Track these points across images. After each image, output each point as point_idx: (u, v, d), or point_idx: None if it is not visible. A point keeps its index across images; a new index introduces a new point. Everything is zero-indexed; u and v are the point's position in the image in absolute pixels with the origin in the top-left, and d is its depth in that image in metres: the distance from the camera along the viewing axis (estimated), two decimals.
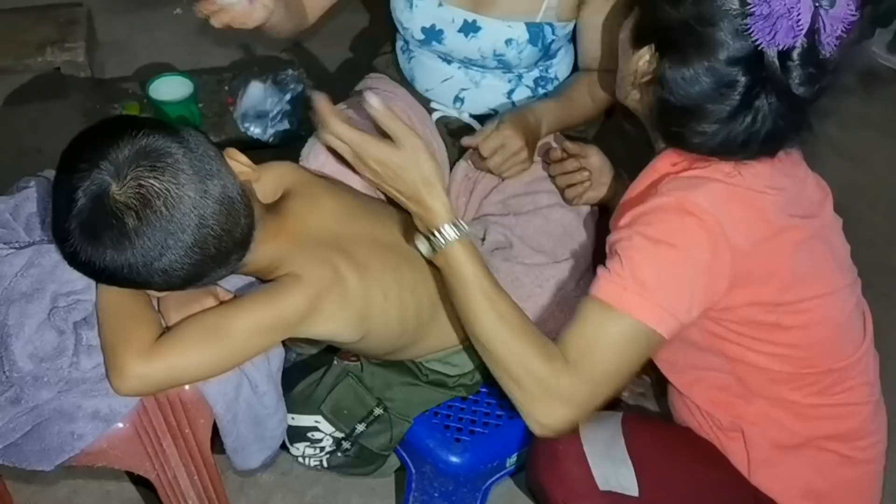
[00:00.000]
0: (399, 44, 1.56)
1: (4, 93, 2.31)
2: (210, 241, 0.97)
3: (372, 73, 1.61)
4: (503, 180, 1.42)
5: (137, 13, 2.62)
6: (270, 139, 1.95)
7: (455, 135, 1.54)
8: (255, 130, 1.94)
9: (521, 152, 1.34)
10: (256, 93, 1.95)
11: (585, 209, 1.41)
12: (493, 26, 1.38)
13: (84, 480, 1.55)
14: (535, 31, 1.39)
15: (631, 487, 1.10)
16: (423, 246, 1.11)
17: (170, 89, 1.91)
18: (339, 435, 1.35)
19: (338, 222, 1.15)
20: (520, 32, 1.39)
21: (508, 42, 1.39)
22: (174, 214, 0.93)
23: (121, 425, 1.02)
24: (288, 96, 1.95)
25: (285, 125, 1.95)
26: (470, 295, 1.08)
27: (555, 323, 1.32)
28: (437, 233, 1.08)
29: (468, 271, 1.08)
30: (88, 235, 0.92)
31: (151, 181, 0.92)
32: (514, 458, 1.38)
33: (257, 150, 1.94)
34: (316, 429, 1.35)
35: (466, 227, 1.09)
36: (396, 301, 1.17)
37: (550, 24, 1.40)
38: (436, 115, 1.54)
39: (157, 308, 1.06)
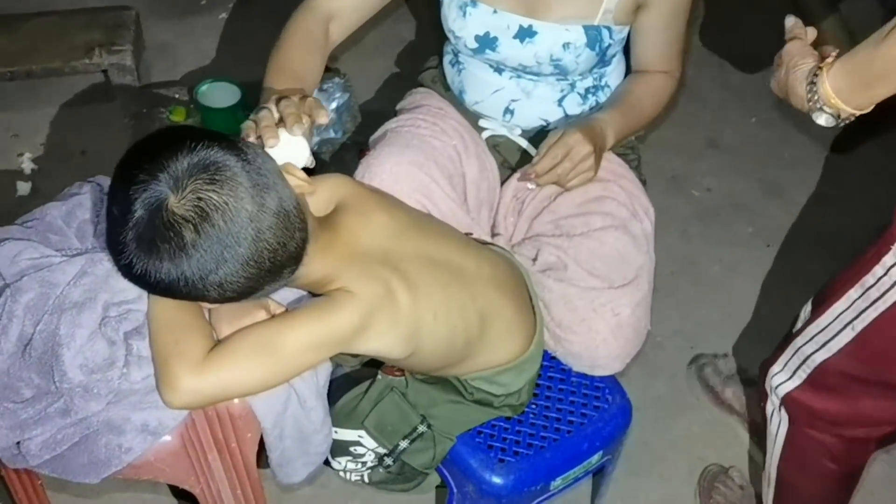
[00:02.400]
0: (447, 57, 1.55)
1: (51, 95, 2.33)
2: (266, 254, 0.95)
3: (419, 89, 1.60)
4: (564, 191, 1.39)
5: (184, 18, 2.63)
6: (315, 147, 1.94)
7: (503, 154, 1.51)
8: None
9: (588, 158, 1.32)
10: None
11: (639, 231, 1.38)
12: (549, 30, 1.37)
13: (120, 491, 1.54)
14: (594, 35, 1.37)
15: None
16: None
17: (218, 95, 1.91)
18: (382, 451, 1.33)
19: (390, 238, 1.14)
20: (577, 36, 1.37)
21: (566, 46, 1.37)
22: (231, 228, 0.92)
23: (168, 438, 1.01)
24: (333, 105, 1.94)
25: (330, 134, 1.94)
26: None
27: (607, 350, 1.30)
28: None
29: None
30: (145, 248, 0.91)
31: (210, 194, 0.91)
32: (558, 482, 1.35)
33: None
34: (359, 443, 1.33)
35: None
36: (445, 320, 1.15)
37: (608, 28, 1.38)
38: (485, 135, 1.52)
39: (208, 319, 1.05)
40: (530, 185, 1.42)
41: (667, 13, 1.40)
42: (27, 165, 2.15)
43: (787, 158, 2.40)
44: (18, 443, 0.96)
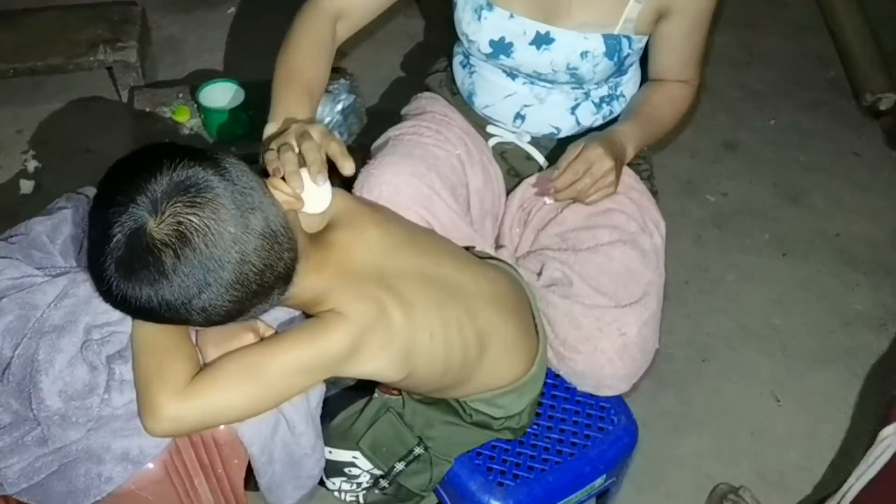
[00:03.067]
0: (458, 58, 1.50)
1: (55, 91, 2.30)
2: (251, 276, 0.91)
3: (425, 93, 1.55)
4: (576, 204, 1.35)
5: (192, 12, 2.60)
6: None
7: (510, 162, 1.47)
8: None
9: (609, 174, 1.27)
10: None
11: (649, 245, 1.33)
12: (567, 38, 1.31)
13: None
14: (613, 44, 1.32)
15: None
16: None
17: (221, 96, 1.87)
18: (378, 472, 1.29)
19: (384, 255, 1.09)
20: (596, 45, 1.31)
21: (584, 55, 1.32)
22: (214, 252, 0.88)
23: (151, 466, 0.98)
24: (339, 107, 1.89)
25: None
26: None
27: (613, 370, 1.25)
28: None
29: None
30: (124, 273, 0.87)
31: (190, 217, 0.87)
32: None
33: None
34: (353, 464, 1.29)
35: None
36: (442, 340, 1.11)
37: (628, 37, 1.33)
38: (492, 142, 1.47)
39: (194, 341, 1.02)
40: (548, 200, 1.37)
41: (689, 22, 1.34)
42: (30, 163, 2.12)
43: (806, 163, 2.33)
44: None
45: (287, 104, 1.19)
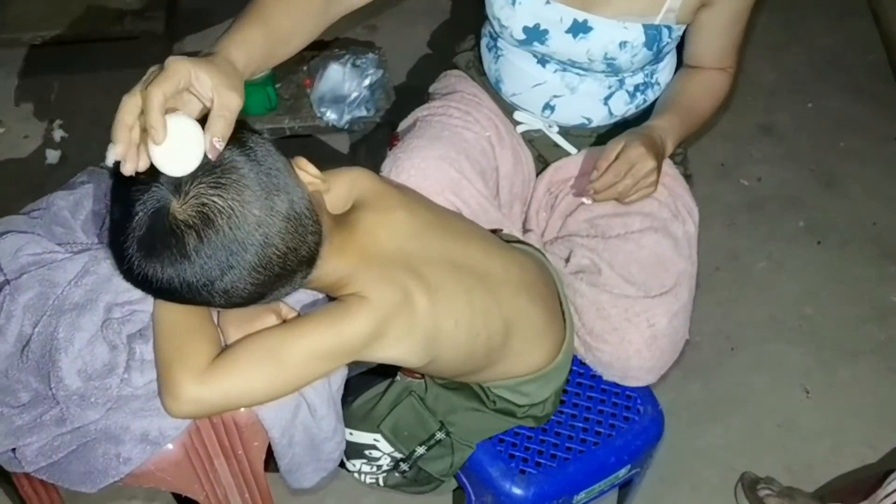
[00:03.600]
0: (484, 40, 1.44)
1: (82, 61, 2.29)
2: (274, 259, 0.89)
3: (454, 71, 1.50)
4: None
5: None
6: (346, 125, 1.87)
7: (538, 149, 1.43)
8: (330, 116, 1.86)
9: (651, 175, 1.22)
10: (335, 76, 1.87)
11: (681, 233, 1.29)
12: (606, 27, 1.26)
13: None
14: (653, 34, 1.27)
15: None
16: None
17: None
18: (398, 456, 1.28)
19: (411, 239, 1.07)
20: (636, 34, 1.26)
21: (623, 45, 1.26)
22: (237, 234, 0.86)
23: (170, 447, 0.97)
24: (367, 81, 1.86)
25: (362, 111, 1.87)
26: None
27: (640, 361, 1.22)
28: None
29: None
30: (146, 253, 0.86)
31: (214, 198, 0.85)
32: (581, 496, 1.29)
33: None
34: (374, 447, 1.28)
35: None
36: (467, 327, 1.08)
37: (668, 27, 1.28)
38: (520, 129, 1.42)
39: (216, 323, 1.00)
40: (586, 201, 1.31)
41: (732, 12, 1.29)
42: (57, 133, 2.12)
43: (844, 149, 2.26)
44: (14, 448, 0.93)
45: (231, 37, 0.95)
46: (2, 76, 2.25)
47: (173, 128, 0.83)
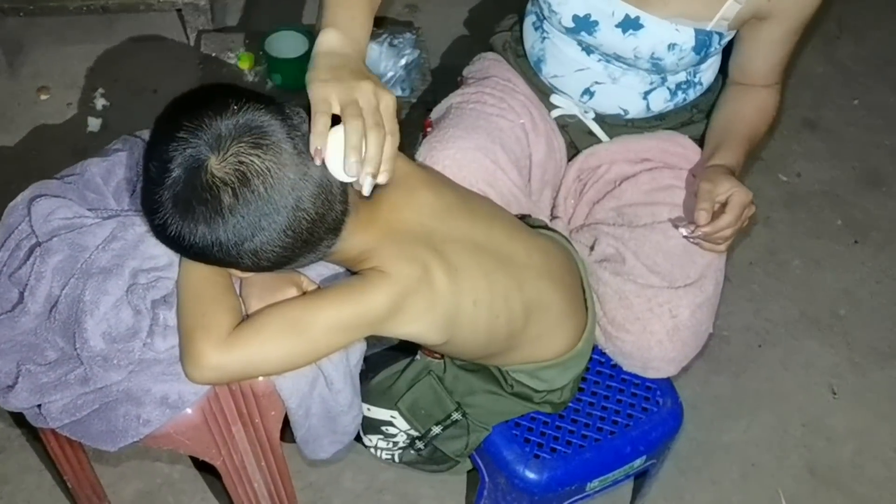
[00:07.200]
0: (530, 18, 1.41)
1: (125, 30, 2.32)
2: (304, 224, 0.91)
3: (488, 53, 1.49)
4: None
5: None
6: None
7: (571, 135, 1.41)
8: None
9: (751, 206, 1.19)
10: (371, 55, 1.87)
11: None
12: (658, 27, 1.23)
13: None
14: (703, 39, 1.24)
15: None
16: None
17: (287, 45, 1.85)
18: (414, 433, 1.29)
19: (434, 218, 1.07)
20: (687, 38, 1.23)
21: (671, 47, 1.24)
22: (272, 195, 0.88)
23: (189, 411, 0.99)
24: (403, 61, 1.86)
25: (398, 91, 1.87)
26: None
27: (662, 352, 1.21)
28: None
29: None
30: (181, 209, 0.88)
31: (253, 158, 0.87)
32: (595, 483, 1.29)
33: None
34: (391, 423, 1.29)
35: None
36: (487, 308, 1.09)
37: (720, 34, 1.25)
38: (555, 113, 1.41)
39: (238, 293, 1.02)
40: (683, 231, 1.25)
41: (787, 27, 1.26)
42: (99, 101, 2.15)
43: (889, 147, 2.21)
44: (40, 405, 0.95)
45: (342, 9, 1.02)
46: (49, 43, 2.29)
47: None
